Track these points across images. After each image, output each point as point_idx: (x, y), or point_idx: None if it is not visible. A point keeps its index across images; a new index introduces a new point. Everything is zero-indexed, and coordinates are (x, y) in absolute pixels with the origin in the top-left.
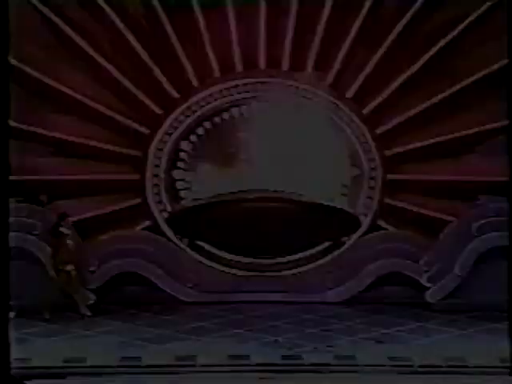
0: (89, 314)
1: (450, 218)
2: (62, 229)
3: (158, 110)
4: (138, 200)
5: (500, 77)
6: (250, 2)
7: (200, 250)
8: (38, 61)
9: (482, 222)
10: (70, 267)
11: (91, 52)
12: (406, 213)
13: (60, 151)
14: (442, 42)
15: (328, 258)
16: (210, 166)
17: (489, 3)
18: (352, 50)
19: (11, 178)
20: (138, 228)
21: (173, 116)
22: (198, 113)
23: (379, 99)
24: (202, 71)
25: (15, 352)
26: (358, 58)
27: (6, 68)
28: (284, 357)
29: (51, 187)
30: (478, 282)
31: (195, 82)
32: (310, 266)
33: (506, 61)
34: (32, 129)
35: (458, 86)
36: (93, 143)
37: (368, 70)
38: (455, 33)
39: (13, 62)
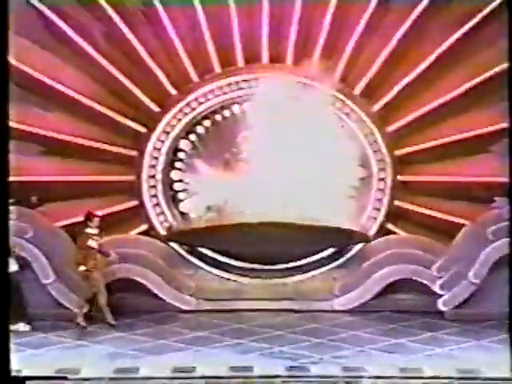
0: (113, 322)
1: (464, 222)
2: (87, 230)
3: (154, 107)
4: (134, 202)
5: None
6: None
7: (200, 256)
8: (27, 55)
9: (499, 225)
10: (82, 268)
11: (82, 44)
12: (417, 216)
13: (51, 151)
14: (457, 35)
15: (335, 263)
16: (210, 167)
17: None
18: (360, 44)
19: None
20: (134, 232)
21: (171, 113)
22: (198, 110)
23: (389, 96)
24: (201, 66)
25: None
26: (367, 52)
27: (6, 68)
28: (289, 368)
29: (41, 189)
30: (493, 289)
31: (194, 78)
32: (316, 272)
33: None
34: (21, 127)
35: (472, 83)
36: (86, 142)
37: (377, 64)
38: (470, 25)
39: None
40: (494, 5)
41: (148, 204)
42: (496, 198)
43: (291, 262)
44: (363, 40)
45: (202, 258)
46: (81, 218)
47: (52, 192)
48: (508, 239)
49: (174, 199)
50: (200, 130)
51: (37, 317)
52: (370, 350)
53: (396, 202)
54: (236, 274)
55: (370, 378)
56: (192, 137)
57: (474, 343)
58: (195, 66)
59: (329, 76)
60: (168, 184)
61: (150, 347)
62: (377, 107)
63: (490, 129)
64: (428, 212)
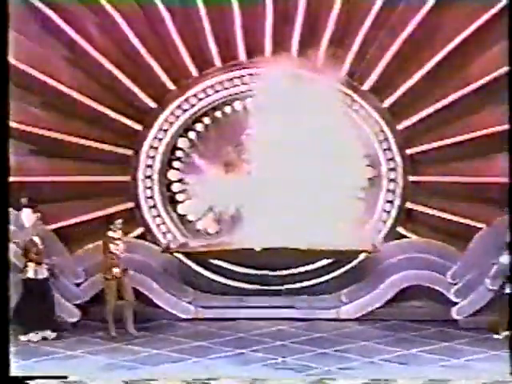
0: (136, 333)
1: (479, 225)
2: (109, 233)
3: (151, 103)
4: (130, 204)
5: None
6: None
7: (199, 261)
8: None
9: None
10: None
11: (75, 36)
12: (430, 218)
13: (41, 149)
14: (472, 28)
15: (342, 269)
16: (209, 167)
17: None
18: (369, 37)
19: None
20: (130, 236)
21: (168, 110)
22: (197, 106)
23: (400, 91)
24: (201, 60)
25: None
26: (377, 45)
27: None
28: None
29: (31, 190)
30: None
31: (194, 72)
32: (322, 278)
33: None
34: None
35: (487, 78)
36: (78, 141)
37: (387, 57)
38: (484, 19)
39: None
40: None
41: (144, 206)
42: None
43: (295, 267)
44: (373, 33)
45: (201, 263)
46: (73, 221)
47: (42, 193)
48: None
49: (171, 201)
50: (199, 127)
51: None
52: (380, 361)
53: (407, 204)
54: (237, 280)
55: None
56: (191, 135)
57: (491, 354)
58: (194, 59)
59: (336, 68)
60: (165, 185)
61: (145, 358)
62: (387, 103)
63: (507, 127)
64: (441, 214)
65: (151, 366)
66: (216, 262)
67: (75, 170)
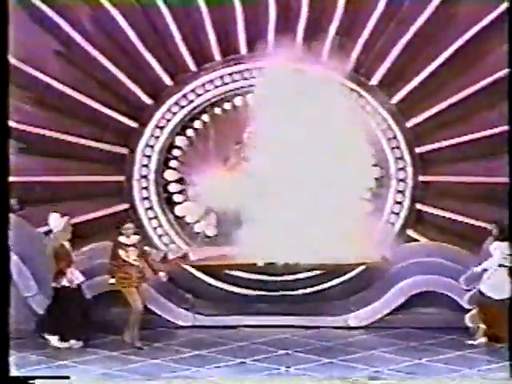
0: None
1: (510, 230)
2: (120, 238)
3: (147, 100)
4: (124, 206)
5: None
6: None
7: (197, 266)
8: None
9: None
10: (111, 281)
11: (67, 29)
12: (441, 221)
13: (31, 148)
14: (485, 22)
15: (349, 274)
16: (208, 166)
17: None
18: (378, 29)
19: None
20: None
21: (165, 106)
22: (195, 103)
23: (409, 86)
24: (199, 53)
25: None
26: (385, 38)
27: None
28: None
29: (21, 190)
30: None
31: (192, 66)
32: (328, 284)
33: None
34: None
35: (500, 74)
36: (70, 139)
37: (397, 50)
38: (498, 12)
39: None
40: None
41: (140, 207)
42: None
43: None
44: (381, 25)
45: (200, 268)
46: None
47: (30, 194)
48: None
49: (168, 202)
50: (198, 124)
51: (15, 333)
52: (389, 371)
53: (417, 206)
54: (238, 286)
55: None
56: (189, 132)
57: (506, 363)
58: (193, 53)
59: (342, 62)
60: (162, 185)
61: (142, 367)
62: (396, 99)
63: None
64: (453, 216)
65: (148, 376)
66: None
67: (66, 170)
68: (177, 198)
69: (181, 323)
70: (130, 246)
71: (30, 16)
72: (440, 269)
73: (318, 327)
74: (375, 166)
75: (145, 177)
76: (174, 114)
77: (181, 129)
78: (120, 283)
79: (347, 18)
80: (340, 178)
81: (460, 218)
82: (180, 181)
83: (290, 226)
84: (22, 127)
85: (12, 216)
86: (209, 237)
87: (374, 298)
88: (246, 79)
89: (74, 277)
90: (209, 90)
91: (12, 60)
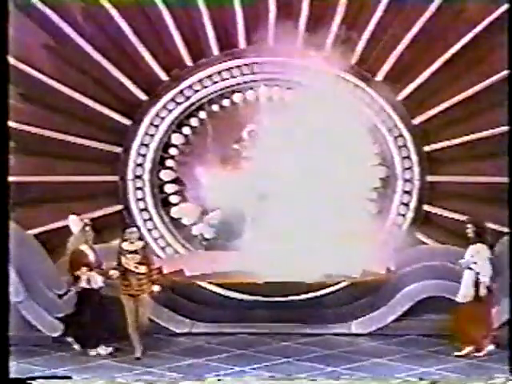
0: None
1: (505, 229)
2: (122, 244)
3: (141, 96)
4: (118, 207)
5: None
6: None
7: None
8: None
9: None
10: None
11: (57, 22)
12: (450, 223)
13: (22, 147)
14: (493, 17)
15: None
16: (206, 166)
17: None
18: (383, 23)
19: None
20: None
21: (160, 103)
22: (192, 99)
23: (416, 82)
24: (196, 47)
25: None
26: (391, 32)
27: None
28: None
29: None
30: None
31: (188, 61)
32: (331, 289)
33: None
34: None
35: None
36: (62, 137)
37: (403, 44)
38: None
39: None
40: None
41: (134, 209)
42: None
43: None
44: (386, 19)
45: None
46: (55, 226)
47: (20, 195)
48: None
49: (164, 203)
50: (195, 122)
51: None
52: (393, 379)
53: (425, 207)
54: (237, 291)
55: None
56: (185, 130)
57: None
58: (189, 47)
59: (346, 56)
60: (157, 186)
61: (136, 376)
62: (402, 95)
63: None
64: (462, 218)
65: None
66: None
67: (57, 170)
68: (173, 199)
69: (177, 330)
70: (131, 252)
71: (19, 9)
72: (448, 273)
73: (320, 334)
74: (380, 165)
75: (139, 177)
76: (170, 110)
77: (177, 126)
78: (121, 289)
79: (351, 11)
80: (343, 178)
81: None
82: (176, 181)
83: (291, 229)
84: (15, 126)
85: None
86: (207, 239)
87: (380, 304)
88: (245, 74)
89: (92, 281)
90: (206, 86)
91: None
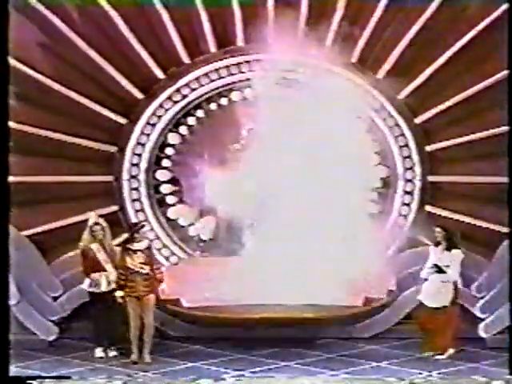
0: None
1: (508, 231)
2: (128, 245)
3: (137, 94)
4: (113, 208)
5: None
6: None
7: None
8: None
9: None
10: (118, 294)
11: (52, 19)
12: (452, 224)
13: (14, 146)
14: (493, 17)
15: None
16: (204, 166)
17: None
18: (384, 19)
19: None
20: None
21: (157, 101)
22: (189, 97)
23: (418, 80)
24: (194, 45)
25: None
26: (392, 29)
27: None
28: None
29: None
30: None
31: (185, 59)
32: None
33: None
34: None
35: None
36: (55, 136)
37: (404, 42)
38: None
39: None
40: None
41: (130, 209)
42: None
43: None
44: (387, 16)
45: None
46: (49, 227)
47: (15, 195)
48: None
49: (160, 204)
50: (192, 121)
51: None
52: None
53: (426, 208)
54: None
55: None
56: (182, 130)
57: None
58: (186, 44)
59: (346, 53)
60: (153, 186)
61: (131, 381)
62: (404, 94)
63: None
64: (465, 219)
65: None
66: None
67: (51, 170)
68: (169, 199)
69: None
70: (137, 252)
71: (15, 9)
72: None
73: (322, 338)
74: (381, 165)
75: (135, 177)
76: (167, 109)
77: (174, 125)
78: (124, 292)
79: (351, 9)
80: (343, 177)
81: (472, 221)
82: (172, 181)
83: (291, 232)
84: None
85: None
86: (204, 241)
87: (382, 307)
88: (243, 72)
89: (98, 284)
90: (203, 85)
91: None
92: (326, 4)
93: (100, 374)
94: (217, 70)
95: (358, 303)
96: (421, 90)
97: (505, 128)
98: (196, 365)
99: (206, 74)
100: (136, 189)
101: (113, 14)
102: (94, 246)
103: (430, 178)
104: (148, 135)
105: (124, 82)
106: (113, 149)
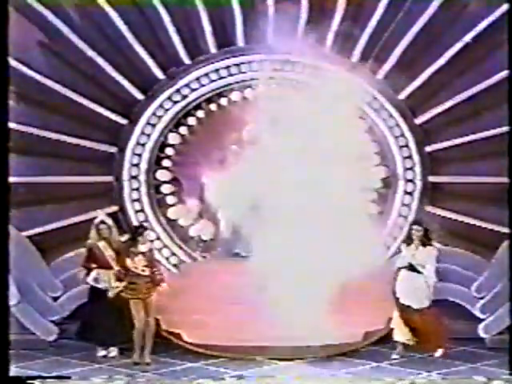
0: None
1: (509, 231)
2: (134, 247)
3: (138, 95)
4: (113, 208)
5: None
6: None
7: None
8: None
9: None
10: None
11: (51, 19)
12: (452, 224)
13: (12, 146)
14: (493, 17)
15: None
16: (204, 166)
17: None
18: (384, 20)
19: None
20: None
21: (157, 102)
22: (189, 98)
23: (418, 80)
24: (194, 45)
25: None
26: (392, 29)
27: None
28: None
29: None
30: None
31: (186, 59)
32: None
33: None
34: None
35: None
36: (54, 136)
37: (404, 43)
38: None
39: None
40: None
41: (130, 210)
42: None
43: None
44: (388, 16)
45: None
46: (49, 227)
47: (15, 196)
48: None
49: (160, 204)
50: (192, 121)
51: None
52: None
53: (426, 208)
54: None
55: None
56: (182, 130)
57: None
58: (186, 45)
59: (346, 54)
60: (154, 186)
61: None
62: (404, 94)
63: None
64: (465, 219)
65: None
66: None
67: (51, 170)
68: (169, 199)
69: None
70: (139, 254)
71: (14, 8)
72: (451, 276)
73: None
74: (381, 165)
75: (135, 177)
76: (167, 110)
77: (174, 126)
78: (127, 293)
79: (351, 9)
80: (343, 177)
81: (473, 222)
82: (173, 181)
83: (291, 234)
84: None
85: None
86: (204, 241)
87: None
88: (243, 72)
89: (99, 280)
90: (204, 85)
91: None
92: (327, 4)
93: (100, 374)
94: (217, 70)
95: (359, 339)
96: (421, 90)
97: (505, 128)
98: (196, 365)
99: (206, 74)
100: (136, 189)
101: (113, 14)
102: (101, 244)
103: (431, 179)
104: (148, 135)
105: (124, 82)
106: (113, 149)
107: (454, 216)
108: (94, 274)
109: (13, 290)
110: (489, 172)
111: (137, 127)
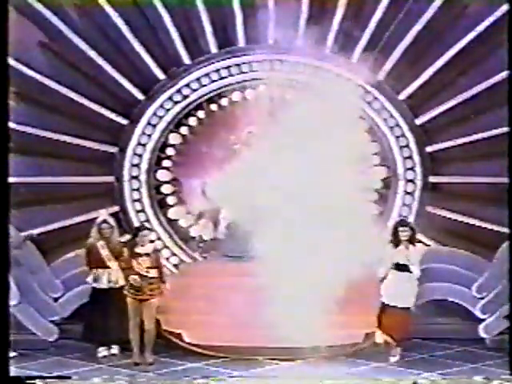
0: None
1: (509, 231)
2: (138, 248)
3: (138, 95)
4: (114, 208)
5: None
6: None
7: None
8: None
9: None
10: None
11: (51, 19)
12: (453, 224)
13: (12, 147)
14: (493, 17)
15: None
16: (204, 166)
17: None
18: (384, 20)
19: None
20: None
21: (158, 102)
22: (190, 98)
23: (419, 80)
24: (194, 45)
25: None
26: (393, 29)
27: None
28: None
29: None
30: None
31: (186, 59)
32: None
33: None
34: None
35: None
36: (55, 136)
37: (405, 43)
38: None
39: None
40: None
41: (130, 210)
42: None
43: None
44: (388, 16)
45: None
46: (49, 227)
47: (15, 196)
48: None
49: (161, 204)
50: (192, 121)
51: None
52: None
53: (427, 208)
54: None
55: None
56: (183, 130)
57: None
58: (187, 45)
59: (347, 55)
60: (154, 186)
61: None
62: (404, 94)
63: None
64: (466, 220)
65: None
66: None
67: (51, 170)
68: (170, 200)
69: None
70: (143, 255)
71: (14, 8)
72: (451, 276)
73: None
74: (382, 165)
75: (136, 177)
76: (167, 110)
77: (174, 126)
78: (128, 292)
79: (352, 9)
80: (343, 177)
81: (473, 222)
82: (173, 182)
83: (289, 236)
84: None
85: None
86: (204, 241)
87: None
88: (244, 73)
89: (99, 280)
90: (204, 85)
91: None
92: (327, 4)
93: (101, 374)
94: (217, 70)
95: (360, 339)
96: (422, 91)
97: (505, 128)
98: (196, 365)
99: (207, 75)
100: (137, 189)
101: (113, 14)
102: (100, 244)
103: (431, 179)
104: (149, 136)
105: (125, 82)
106: (113, 149)
107: (454, 216)
108: (92, 274)
109: (13, 290)
110: (489, 172)
111: (137, 127)
